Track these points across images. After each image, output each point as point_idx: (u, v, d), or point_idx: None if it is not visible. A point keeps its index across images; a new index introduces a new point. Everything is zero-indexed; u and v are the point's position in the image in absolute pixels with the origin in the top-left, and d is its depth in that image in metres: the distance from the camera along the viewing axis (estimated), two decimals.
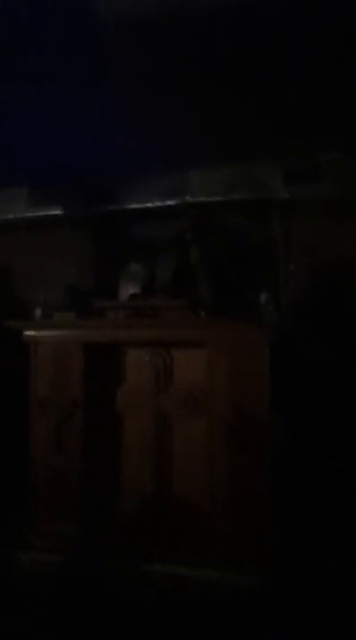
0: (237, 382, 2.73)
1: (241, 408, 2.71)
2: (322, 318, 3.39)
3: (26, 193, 3.78)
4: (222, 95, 2.90)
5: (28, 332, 3.02)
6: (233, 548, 2.60)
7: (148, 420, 3.00)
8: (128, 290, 3.38)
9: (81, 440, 2.96)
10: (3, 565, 2.74)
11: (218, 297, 3.16)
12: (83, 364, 2.97)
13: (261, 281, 3.07)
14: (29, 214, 3.79)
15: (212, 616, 2.30)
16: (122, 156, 3.56)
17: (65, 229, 3.86)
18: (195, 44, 2.47)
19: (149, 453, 2.98)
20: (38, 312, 3.02)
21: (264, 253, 3.64)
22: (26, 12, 2.18)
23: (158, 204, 3.83)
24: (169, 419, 2.99)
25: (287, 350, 2.94)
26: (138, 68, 2.64)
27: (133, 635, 2.18)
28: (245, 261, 3.66)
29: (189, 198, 3.76)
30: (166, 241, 3.76)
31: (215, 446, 2.76)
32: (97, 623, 2.26)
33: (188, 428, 2.95)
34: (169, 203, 3.81)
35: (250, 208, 3.71)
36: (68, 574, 2.67)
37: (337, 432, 3.03)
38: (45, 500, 2.96)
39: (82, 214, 3.85)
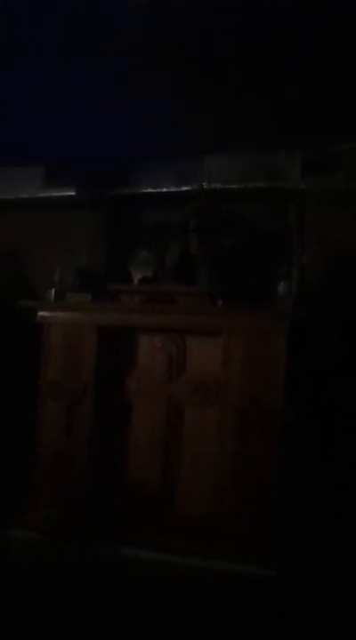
0: (251, 371, 2.72)
1: (255, 397, 2.70)
2: (336, 309, 3.37)
3: (41, 173, 3.70)
4: (239, 81, 2.85)
5: (42, 313, 2.98)
6: (241, 538, 2.60)
7: (158, 408, 2.98)
8: (138, 274, 3.35)
9: (90, 425, 2.94)
10: (3, 547, 2.73)
11: (226, 286, 3.12)
12: (96, 347, 2.94)
13: (277, 271, 3.04)
14: (44, 194, 3.72)
15: (215, 607, 2.29)
16: (137, 140, 3.50)
17: (79, 211, 3.80)
18: (212, 28, 2.41)
19: (158, 441, 2.97)
20: (52, 293, 2.98)
21: (279, 243, 3.61)
22: None
23: (173, 189, 3.78)
24: (180, 407, 2.98)
25: (300, 340, 2.93)
26: (153, 51, 2.58)
27: (128, 622, 2.17)
28: (258, 251, 3.62)
29: (204, 185, 3.71)
30: (176, 227, 3.71)
31: (226, 435, 2.75)
32: (93, 608, 2.25)
33: (199, 416, 2.94)
34: (184, 188, 3.75)
35: (265, 197, 3.67)
36: (67, 558, 2.66)
37: (349, 423, 3.03)
38: (50, 483, 2.95)
39: (95, 196, 3.79)
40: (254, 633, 2.11)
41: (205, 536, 2.69)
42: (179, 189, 3.72)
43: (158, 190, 3.79)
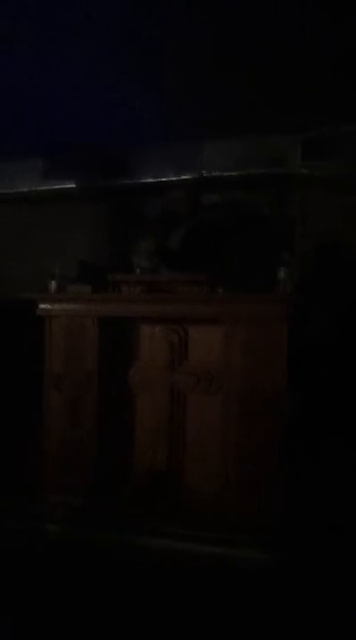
0: (253, 359, 2.72)
1: (257, 385, 2.70)
2: (337, 295, 3.34)
3: (40, 166, 3.70)
4: (237, 63, 2.80)
5: (44, 305, 3.00)
6: (244, 525, 2.61)
7: (161, 397, 3.00)
8: (140, 264, 3.34)
9: (95, 414, 2.97)
10: (13, 534, 2.78)
11: (226, 273, 3.10)
12: (97, 338, 2.95)
13: (278, 257, 3.01)
14: (44, 187, 3.73)
15: (217, 593, 2.31)
16: (135, 129, 3.48)
17: (78, 202, 3.80)
18: (209, 11, 2.37)
19: (162, 429, 2.99)
20: (53, 285, 2.99)
21: (280, 229, 3.58)
22: None
23: (172, 177, 3.75)
24: (183, 396, 2.99)
25: (301, 326, 2.91)
26: (151, 38, 2.55)
27: (134, 608, 2.20)
28: (258, 237, 3.60)
29: (203, 172, 3.68)
30: (176, 216, 3.70)
31: (229, 424, 2.76)
32: (100, 594, 2.28)
33: (202, 404, 2.95)
34: (184, 177, 3.73)
35: (265, 182, 3.63)
36: (75, 545, 2.70)
37: (351, 409, 3.02)
38: (58, 471, 2.99)
39: (95, 188, 3.78)
40: (255, 619, 2.12)
41: (209, 523, 2.71)
42: (178, 178, 3.70)
43: (158, 179, 3.77)
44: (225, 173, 3.57)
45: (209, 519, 2.72)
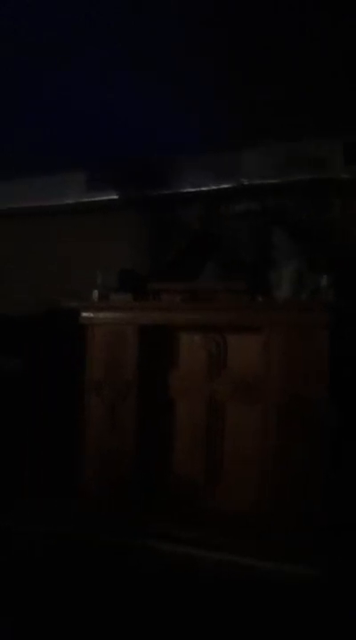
0: (293, 368, 2.67)
1: (297, 395, 2.65)
2: None
3: (83, 178, 3.83)
4: (276, 69, 2.79)
5: (86, 314, 3.08)
6: (283, 536, 2.56)
7: (199, 406, 3.00)
8: (179, 273, 3.37)
9: (133, 422, 3.00)
10: (52, 538, 2.83)
11: (266, 282, 3.07)
12: (137, 346, 3.00)
13: (319, 263, 2.96)
14: (87, 199, 3.84)
15: (253, 606, 2.26)
16: (174, 139, 3.53)
17: (120, 213, 3.89)
18: (247, 19, 2.38)
19: (200, 438, 2.99)
20: (95, 294, 3.07)
21: (321, 235, 3.51)
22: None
23: (212, 187, 3.78)
24: (221, 404, 2.98)
25: (343, 335, 2.84)
26: (189, 51, 2.59)
27: (168, 617, 2.19)
28: (299, 244, 3.55)
29: (243, 180, 3.68)
30: (215, 224, 3.71)
31: (268, 434, 2.71)
32: (134, 601, 2.29)
33: (240, 413, 2.93)
34: (223, 186, 3.74)
35: (306, 188, 3.58)
36: (111, 550, 2.72)
37: None
38: (98, 477, 3.03)
39: (136, 198, 3.86)
40: (294, 633, 2.07)
41: (246, 533, 2.67)
42: (218, 187, 3.72)
43: (198, 189, 3.80)
44: (265, 181, 3.56)
45: (247, 529, 2.68)
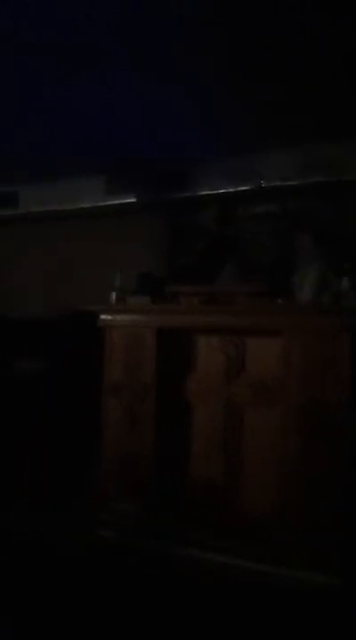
0: (314, 372, 2.62)
1: (317, 399, 2.60)
2: None
3: (103, 182, 3.85)
4: (295, 72, 2.76)
5: (104, 317, 3.08)
6: (304, 543, 2.51)
7: (217, 409, 2.97)
8: (197, 275, 3.35)
9: (152, 424, 2.99)
10: (74, 540, 2.83)
11: (286, 284, 3.04)
12: (155, 348, 2.99)
13: (340, 266, 2.92)
14: (106, 202, 3.87)
15: (273, 614, 2.22)
16: (194, 142, 3.53)
17: (138, 216, 3.90)
18: (270, 19, 2.36)
19: (217, 442, 2.95)
20: (113, 297, 3.07)
21: (341, 237, 3.47)
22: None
23: (230, 189, 3.76)
24: (240, 408, 2.94)
25: None
26: (209, 49, 2.58)
27: (189, 623, 2.17)
28: (320, 246, 3.51)
29: (262, 183, 3.66)
30: (234, 227, 3.69)
31: (288, 439, 2.67)
32: (154, 605, 2.28)
33: (259, 417, 2.89)
34: (242, 188, 3.73)
35: (327, 190, 3.55)
36: (133, 553, 2.71)
37: None
38: (116, 479, 3.03)
39: (154, 202, 3.87)
40: None
41: (266, 539, 2.63)
42: (236, 189, 3.70)
43: (216, 191, 3.80)
44: (284, 183, 3.53)
45: (267, 535, 2.64)
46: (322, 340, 2.61)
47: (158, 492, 2.96)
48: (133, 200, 3.81)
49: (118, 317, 3.08)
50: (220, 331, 2.96)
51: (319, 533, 2.50)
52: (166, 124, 3.33)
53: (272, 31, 2.44)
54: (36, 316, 3.89)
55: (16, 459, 3.39)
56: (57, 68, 2.70)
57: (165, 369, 3.03)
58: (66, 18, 2.28)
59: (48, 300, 3.94)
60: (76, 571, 2.56)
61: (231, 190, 3.74)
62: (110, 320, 3.09)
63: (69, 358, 3.58)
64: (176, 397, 3.07)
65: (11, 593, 2.34)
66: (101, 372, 3.09)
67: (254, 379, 2.90)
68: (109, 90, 2.93)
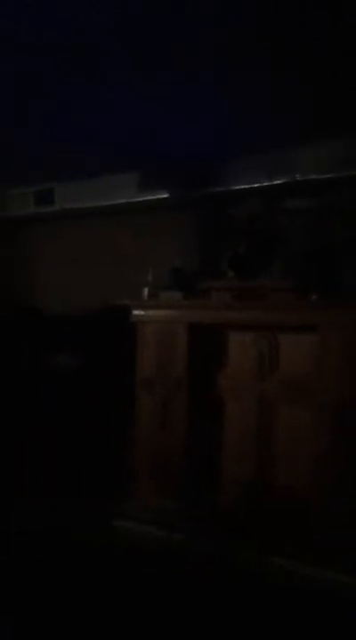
0: (348, 369, 2.57)
1: (352, 397, 2.55)
2: None
3: (135, 178, 3.86)
4: (329, 62, 2.68)
5: (136, 312, 3.11)
6: (336, 543, 2.47)
7: (250, 406, 2.95)
8: (230, 271, 3.32)
9: (184, 420, 3.00)
10: (104, 534, 2.88)
11: (321, 279, 2.96)
12: (187, 344, 2.99)
13: None
14: (138, 199, 3.88)
15: (301, 614, 2.21)
16: (227, 136, 3.48)
17: (171, 211, 3.90)
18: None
19: (249, 439, 2.94)
20: (145, 292, 3.09)
21: None
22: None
23: (265, 183, 3.70)
24: (273, 405, 2.91)
25: None
26: (236, 42, 2.53)
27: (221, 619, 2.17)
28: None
29: (297, 176, 3.58)
30: (269, 221, 3.63)
31: (322, 436, 2.62)
32: (184, 600, 2.29)
33: (292, 416, 2.85)
34: (276, 182, 3.66)
35: None
36: (163, 549, 2.73)
37: None
38: (148, 475, 3.06)
39: (188, 197, 3.85)
40: None
41: (298, 538, 2.60)
42: (271, 183, 3.64)
43: (250, 186, 3.74)
44: (320, 176, 3.44)
45: (299, 534, 2.61)
46: None
47: (189, 486, 2.97)
48: (166, 195, 3.81)
49: (151, 313, 3.10)
50: (253, 327, 2.93)
51: (354, 531, 2.45)
52: (199, 118, 3.30)
53: (308, 22, 2.37)
54: (70, 311, 3.96)
55: (50, 452, 3.47)
56: (86, 67, 2.71)
57: (197, 365, 3.03)
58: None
59: (82, 295, 4.00)
60: (109, 566, 2.61)
61: (266, 184, 3.67)
62: (143, 315, 3.11)
63: (104, 354, 3.63)
64: (208, 393, 3.07)
65: (50, 584, 2.40)
66: (133, 367, 3.12)
67: (287, 376, 2.87)
68: (141, 88, 2.94)
